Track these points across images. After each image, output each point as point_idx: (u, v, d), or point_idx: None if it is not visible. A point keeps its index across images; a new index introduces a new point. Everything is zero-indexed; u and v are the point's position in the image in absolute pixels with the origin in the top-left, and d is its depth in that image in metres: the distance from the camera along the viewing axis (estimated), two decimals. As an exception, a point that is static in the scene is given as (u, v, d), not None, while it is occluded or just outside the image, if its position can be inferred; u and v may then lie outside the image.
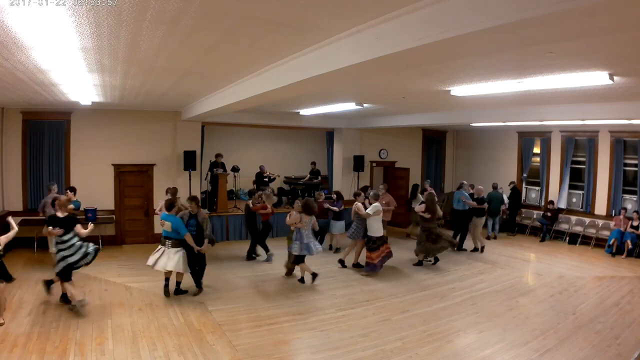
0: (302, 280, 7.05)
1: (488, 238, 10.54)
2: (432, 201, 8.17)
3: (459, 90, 5.80)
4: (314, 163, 12.30)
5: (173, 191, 7.26)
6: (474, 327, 5.41)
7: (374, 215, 7.37)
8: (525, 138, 11.91)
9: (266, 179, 11.06)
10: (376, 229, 7.41)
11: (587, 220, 10.40)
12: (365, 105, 8.14)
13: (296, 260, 6.96)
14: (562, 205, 10.92)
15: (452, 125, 12.94)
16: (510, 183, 11.47)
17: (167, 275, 6.16)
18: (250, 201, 8.26)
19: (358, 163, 11.80)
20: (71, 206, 6.35)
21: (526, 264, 8.74)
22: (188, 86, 6.11)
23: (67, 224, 5.36)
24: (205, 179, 10.36)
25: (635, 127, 8.76)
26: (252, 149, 12.71)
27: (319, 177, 12.12)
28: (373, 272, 7.47)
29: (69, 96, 6.81)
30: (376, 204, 7.50)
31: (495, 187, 10.77)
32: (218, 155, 10.23)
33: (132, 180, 9.36)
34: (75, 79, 5.34)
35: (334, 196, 9.23)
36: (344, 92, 6.89)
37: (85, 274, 6.16)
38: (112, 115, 8.99)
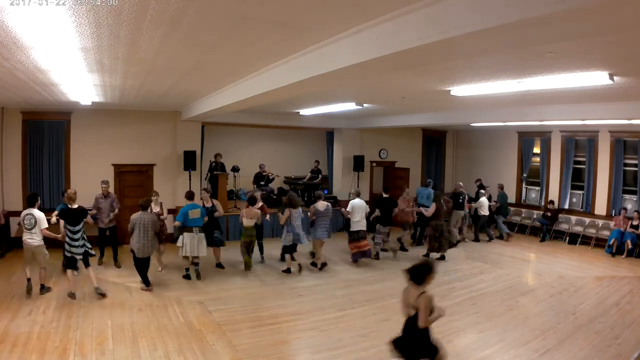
0: (288, 270, 7.40)
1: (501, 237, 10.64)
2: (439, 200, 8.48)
3: (459, 90, 5.80)
4: (317, 162, 12.27)
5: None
6: (474, 327, 5.41)
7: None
8: (525, 138, 11.89)
9: (264, 180, 11.03)
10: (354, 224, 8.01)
11: (587, 220, 10.38)
12: (365, 105, 8.14)
13: (287, 250, 7.41)
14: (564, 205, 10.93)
15: (452, 125, 12.93)
16: (477, 180, 11.42)
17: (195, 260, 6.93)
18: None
19: (358, 163, 11.79)
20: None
21: (526, 264, 8.74)
22: (188, 86, 6.11)
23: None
24: (205, 179, 10.35)
25: (635, 127, 8.75)
26: (252, 149, 12.68)
27: (319, 177, 12.12)
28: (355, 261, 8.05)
29: (69, 96, 6.81)
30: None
31: (501, 188, 10.99)
32: (217, 155, 10.20)
33: (132, 180, 9.36)
34: (75, 79, 5.35)
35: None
36: (344, 92, 6.89)
37: (85, 274, 6.15)
38: (112, 115, 8.98)
